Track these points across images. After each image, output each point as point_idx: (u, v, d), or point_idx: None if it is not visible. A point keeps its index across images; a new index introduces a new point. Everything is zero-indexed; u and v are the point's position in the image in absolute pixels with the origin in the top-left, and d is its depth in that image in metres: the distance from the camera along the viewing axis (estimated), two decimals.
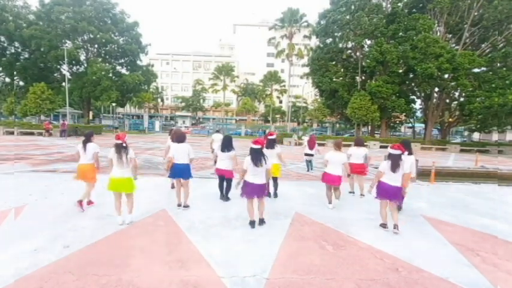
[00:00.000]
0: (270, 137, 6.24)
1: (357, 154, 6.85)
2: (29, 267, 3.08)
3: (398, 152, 4.49)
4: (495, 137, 37.52)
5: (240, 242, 3.97)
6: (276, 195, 6.40)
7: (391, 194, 4.58)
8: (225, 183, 6.08)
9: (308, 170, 10.54)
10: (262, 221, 4.66)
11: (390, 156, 4.55)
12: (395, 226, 4.51)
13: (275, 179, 6.36)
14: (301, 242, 4.07)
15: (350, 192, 7.08)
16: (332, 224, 4.83)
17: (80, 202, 4.99)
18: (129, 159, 4.44)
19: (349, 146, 7.86)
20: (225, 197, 6.07)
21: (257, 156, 4.39)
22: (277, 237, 4.17)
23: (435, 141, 29.45)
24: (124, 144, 4.41)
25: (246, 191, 4.49)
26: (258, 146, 4.47)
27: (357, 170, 6.86)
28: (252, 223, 4.55)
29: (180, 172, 5.27)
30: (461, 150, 26.39)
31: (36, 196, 5.74)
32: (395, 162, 4.48)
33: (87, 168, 5.14)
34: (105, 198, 5.56)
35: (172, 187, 6.65)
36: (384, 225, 4.68)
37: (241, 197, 4.63)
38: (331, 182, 5.70)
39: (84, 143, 5.11)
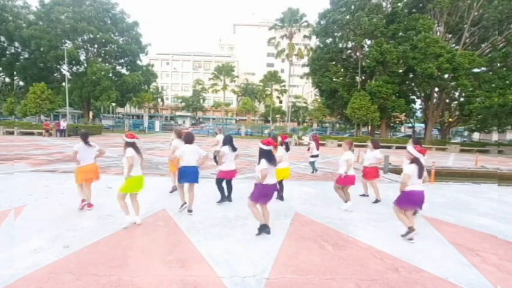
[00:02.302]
0: (286, 140, 6.23)
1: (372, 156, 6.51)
2: (29, 267, 3.07)
3: (421, 155, 4.21)
4: (495, 137, 37.51)
5: (240, 242, 3.97)
6: (282, 198, 6.13)
7: (421, 200, 4.18)
8: (225, 185, 5.92)
9: (313, 172, 10.23)
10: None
11: (417, 161, 4.14)
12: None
13: (280, 182, 6.09)
14: (301, 242, 4.06)
15: (363, 195, 6.79)
16: (332, 224, 4.82)
17: (89, 204, 5.10)
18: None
19: None
20: (228, 198, 5.91)
21: (271, 157, 4.21)
22: (277, 237, 4.16)
23: (435, 141, 29.46)
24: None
25: (264, 194, 4.11)
26: (270, 147, 4.26)
27: (374, 173, 6.49)
28: (265, 228, 4.20)
29: (189, 176, 5.04)
30: (461, 150, 26.41)
31: (36, 196, 5.74)
32: (422, 167, 4.13)
33: (95, 168, 5.15)
34: (105, 198, 5.58)
35: (174, 190, 6.33)
36: (412, 231, 4.21)
37: (257, 201, 4.19)
38: (349, 183, 5.61)
39: (86, 143, 5.01)
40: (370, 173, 6.40)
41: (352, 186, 5.80)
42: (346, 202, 5.71)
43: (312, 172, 10.29)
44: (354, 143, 6.87)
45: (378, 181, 6.67)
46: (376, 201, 6.29)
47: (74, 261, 3.24)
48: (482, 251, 4.00)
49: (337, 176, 5.71)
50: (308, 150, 10.71)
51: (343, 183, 5.61)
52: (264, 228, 4.21)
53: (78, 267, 3.13)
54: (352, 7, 26.99)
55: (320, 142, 10.35)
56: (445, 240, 4.36)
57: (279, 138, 6.34)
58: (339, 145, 25.47)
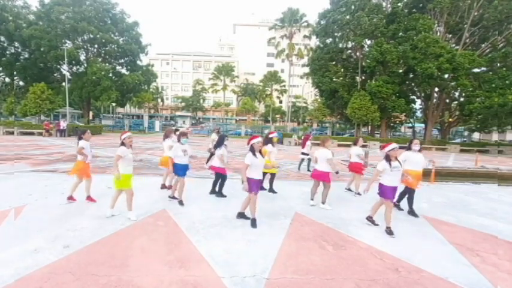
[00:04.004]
0: (270, 136, 6.80)
1: (353, 153, 7.21)
2: (29, 267, 3.07)
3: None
4: (495, 137, 37.48)
5: (240, 242, 3.97)
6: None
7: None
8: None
9: (300, 169, 10.61)
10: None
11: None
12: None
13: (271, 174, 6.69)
14: (301, 242, 4.06)
15: (347, 189, 7.26)
16: (332, 224, 4.82)
17: (89, 197, 5.47)
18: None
19: (349, 146, 7.87)
20: (219, 193, 6.29)
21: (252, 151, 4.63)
22: (277, 237, 4.17)
23: (435, 141, 29.45)
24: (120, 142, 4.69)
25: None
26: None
27: (356, 168, 7.12)
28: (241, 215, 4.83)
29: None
30: (461, 150, 26.40)
31: (36, 196, 5.74)
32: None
33: (80, 166, 5.41)
34: (104, 198, 5.59)
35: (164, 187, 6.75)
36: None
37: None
38: (318, 177, 5.81)
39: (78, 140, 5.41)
40: (353, 167, 7.18)
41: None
42: (312, 199, 5.95)
43: (307, 169, 10.55)
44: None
45: (360, 177, 7.16)
46: (357, 194, 6.95)
47: (74, 261, 3.24)
48: (482, 251, 4.00)
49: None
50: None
51: (313, 177, 5.91)
52: (240, 215, 4.82)
53: (78, 267, 3.13)
54: (352, 7, 26.97)
55: (308, 139, 10.53)
56: (445, 240, 4.36)
57: (274, 135, 6.97)
58: (339, 145, 25.50)
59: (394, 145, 4.63)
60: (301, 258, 3.57)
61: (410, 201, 5.55)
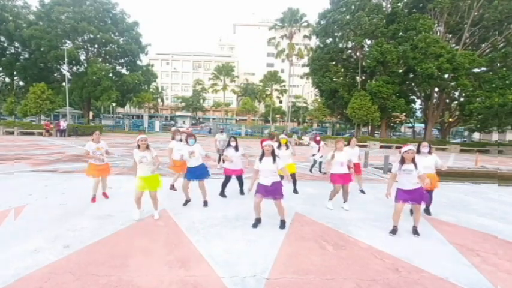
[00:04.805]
0: (279, 137, 6.96)
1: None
2: (29, 267, 3.07)
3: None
4: (495, 137, 37.46)
5: (240, 242, 3.96)
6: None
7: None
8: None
9: (320, 171, 10.39)
10: None
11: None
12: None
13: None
14: (301, 242, 4.06)
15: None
16: (332, 224, 4.82)
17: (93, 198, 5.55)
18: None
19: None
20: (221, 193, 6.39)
21: (261, 155, 4.60)
22: (277, 237, 4.16)
23: (435, 141, 29.45)
24: None
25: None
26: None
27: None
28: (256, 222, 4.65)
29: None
30: (462, 150, 26.40)
31: (36, 196, 5.74)
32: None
33: (89, 167, 5.62)
34: (104, 198, 5.59)
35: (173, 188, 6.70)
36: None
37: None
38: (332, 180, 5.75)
39: None
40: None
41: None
42: (344, 202, 5.81)
43: (320, 171, 10.42)
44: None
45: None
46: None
47: (74, 261, 3.24)
48: (482, 251, 4.00)
49: None
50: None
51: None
52: (256, 222, 4.60)
53: (78, 267, 3.13)
54: (352, 7, 26.98)
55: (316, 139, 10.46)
56: (445, 240, 4.36)
57: (282, 136, 7.04)
58: None
59: (409, 147, 4.37)
60: (301, 258, 3.57)
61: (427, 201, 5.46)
